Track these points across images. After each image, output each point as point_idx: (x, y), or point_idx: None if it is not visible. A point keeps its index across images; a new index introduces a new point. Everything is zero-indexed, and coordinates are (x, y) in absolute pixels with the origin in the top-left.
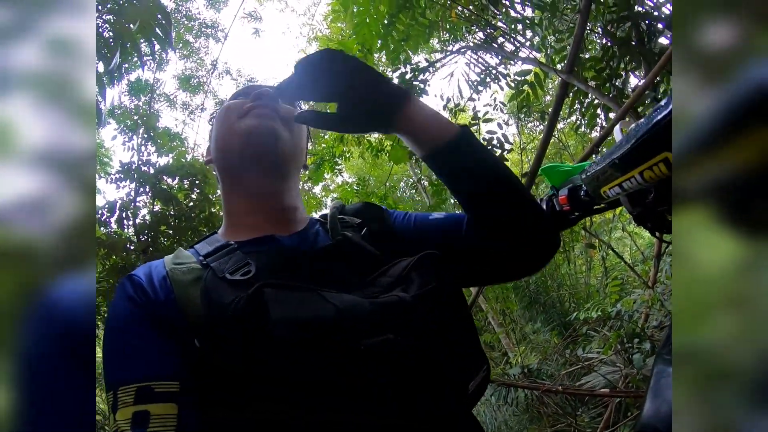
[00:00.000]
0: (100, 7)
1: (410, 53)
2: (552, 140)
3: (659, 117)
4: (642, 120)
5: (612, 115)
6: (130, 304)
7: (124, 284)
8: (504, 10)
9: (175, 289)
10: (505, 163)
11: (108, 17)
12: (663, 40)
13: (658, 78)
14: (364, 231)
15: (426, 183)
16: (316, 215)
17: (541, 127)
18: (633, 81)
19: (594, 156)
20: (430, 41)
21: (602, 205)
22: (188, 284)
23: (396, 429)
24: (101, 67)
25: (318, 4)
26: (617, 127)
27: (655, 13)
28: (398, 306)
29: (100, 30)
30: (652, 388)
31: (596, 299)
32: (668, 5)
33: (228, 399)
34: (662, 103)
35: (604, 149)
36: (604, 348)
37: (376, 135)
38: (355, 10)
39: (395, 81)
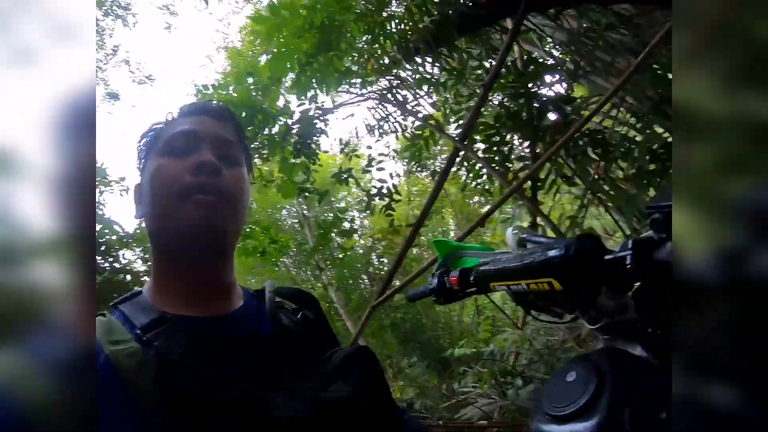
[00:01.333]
0: None
1: (318, 91)
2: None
3: (552, 254)
4: (538, 245)
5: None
6: None
7: None
8: (415, 66)
9: (121, 375)
10: (392, 213)
11: None
12: (551, 116)
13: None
14: (299, 316)
15: (313, 221)
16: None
17: (430, 177)
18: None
19: (480, 227)
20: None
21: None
22: (134, 372)
23: None
24: None
25: (239, 13)
26: (509, 231)
27: (549, 93)
28: (348, 402)
29: None
30: None
31: (470, 337)
32: (560, 84)
33: None
34: (557, 245)
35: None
36: (480, 383)
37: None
38: (275, 38)
39: (297, 114)
